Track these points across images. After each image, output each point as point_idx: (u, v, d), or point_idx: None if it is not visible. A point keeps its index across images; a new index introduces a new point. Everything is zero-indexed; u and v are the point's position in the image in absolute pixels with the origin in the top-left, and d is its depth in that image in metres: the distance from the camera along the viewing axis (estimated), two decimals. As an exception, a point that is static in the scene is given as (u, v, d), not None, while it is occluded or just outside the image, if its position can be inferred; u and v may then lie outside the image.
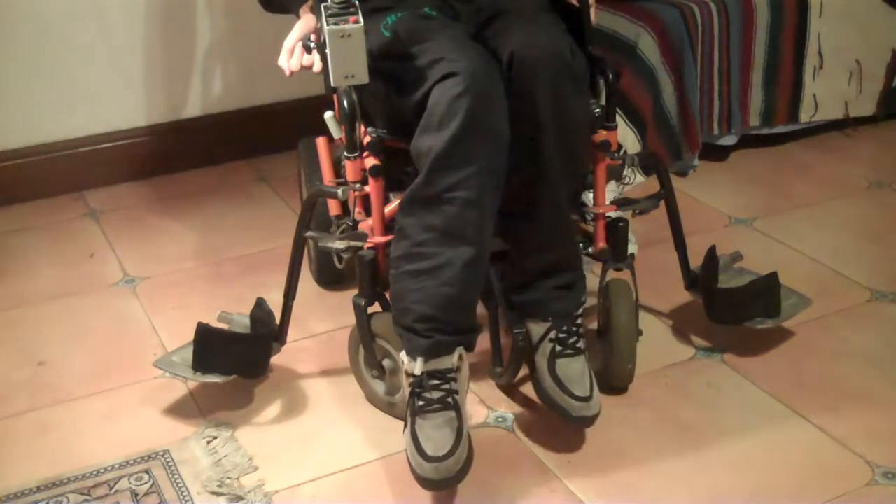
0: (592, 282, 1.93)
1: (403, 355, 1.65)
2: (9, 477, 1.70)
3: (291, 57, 1.77)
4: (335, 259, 1.81)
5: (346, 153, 1.71)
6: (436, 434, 1.58)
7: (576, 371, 1.72)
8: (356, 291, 1.75)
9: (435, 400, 1.61)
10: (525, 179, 1.67)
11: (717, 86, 2.63)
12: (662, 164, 1.93)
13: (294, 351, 1.98)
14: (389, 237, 1.69)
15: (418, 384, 1.62)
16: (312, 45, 1.74)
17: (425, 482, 1.57)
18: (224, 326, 1.88)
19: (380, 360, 1.78)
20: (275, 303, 1.89)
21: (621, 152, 1.85)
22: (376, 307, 1.75)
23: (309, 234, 1.84)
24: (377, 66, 1.62)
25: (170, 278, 2.28)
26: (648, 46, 2.48)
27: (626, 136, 2.45)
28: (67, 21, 2.55)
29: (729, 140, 2.75)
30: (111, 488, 1.67)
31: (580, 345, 1.75)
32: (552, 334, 1.74)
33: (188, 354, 1.80)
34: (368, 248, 1.73)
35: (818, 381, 1.89)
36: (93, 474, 1.70)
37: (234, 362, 1.81)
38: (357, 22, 1.55)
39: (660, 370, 1.93)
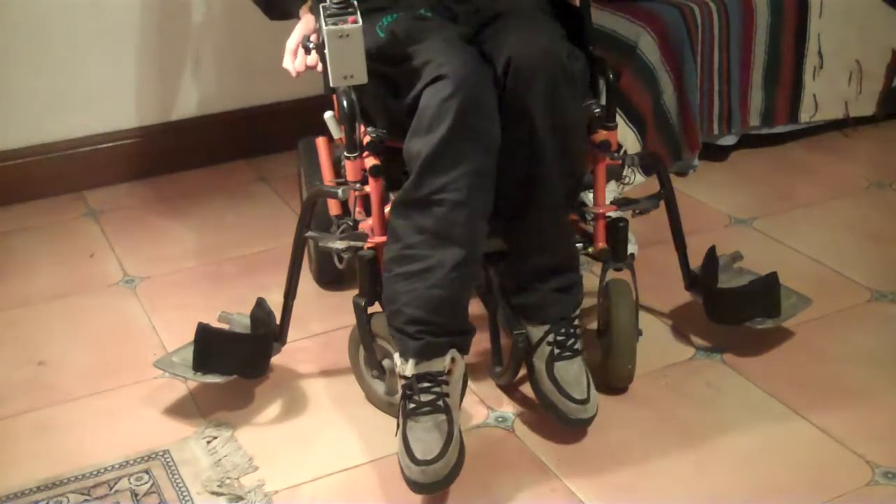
0: (592, 282, 1.93)
1: (397, 357, 1.65)
2: (9, 477, 1.70)
3: (296, 58, 1.77)
4: (335, 259, 1.81)
5: (346, 153, 1.71)
6: (425, 437, 1.58)
7: (573, 373, 1.72)
8: (356, 291, 1.75)
9: (425, 402, 1.60)
10: (522, 182, 1.67)
11: (717, 86, 2.63)
12: (662, 164, 1.93)
13: (294, 351, 1.98)
14: (389, 237, 1.70)
15: (409, 386, 1.62)
16: (311, 45, 1.74)
17: (413, 485, 1.57)
18: (224, 326, 1.88)
19: (380, 360, 1.78)
20: (275, 303, 1.89)
21: (621, 152, 1.85)
22: (376, 307, 1.75)
23: (309, 234, 1.83)
24: (373, 66, 1.62)
25: (170, 278, 2.28)
26: (648, 46, 2.48)
27: (626, 136, 2.45)
28: (68, 21, 2.55)
29: (729, 140, 2.74)
30: (111, 488, 1.67)
31: (578, 346, 1.75)
32: (550, 337, 1.74)
33: (188, 354, 1.80)
34: (368, 248, 1.73)
35: (818, 381, 1.89)
36: (93, 474, 1.70)
37: (235, 362, 1.81)
38: (356, 22, 1.55)
39: (660, 370, 1.93)
